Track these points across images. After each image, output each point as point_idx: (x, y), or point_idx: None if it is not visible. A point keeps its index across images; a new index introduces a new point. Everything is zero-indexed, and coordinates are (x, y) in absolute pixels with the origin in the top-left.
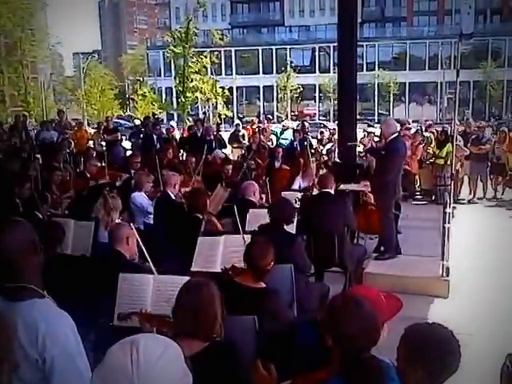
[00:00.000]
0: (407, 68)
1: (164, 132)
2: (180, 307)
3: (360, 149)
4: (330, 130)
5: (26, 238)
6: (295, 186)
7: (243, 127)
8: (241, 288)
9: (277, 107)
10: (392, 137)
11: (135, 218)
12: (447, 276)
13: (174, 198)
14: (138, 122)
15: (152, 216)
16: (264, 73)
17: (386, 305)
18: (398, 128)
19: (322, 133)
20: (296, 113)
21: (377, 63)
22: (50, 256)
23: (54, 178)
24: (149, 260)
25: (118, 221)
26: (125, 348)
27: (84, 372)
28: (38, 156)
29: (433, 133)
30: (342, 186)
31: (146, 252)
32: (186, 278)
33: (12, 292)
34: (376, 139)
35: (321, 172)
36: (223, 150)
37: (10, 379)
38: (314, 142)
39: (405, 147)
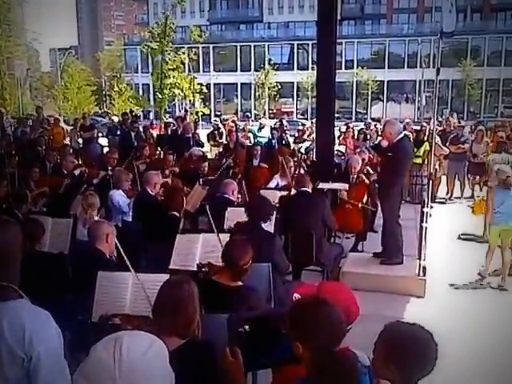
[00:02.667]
0: (386, 66)
1: (141, 129)
2: (160, 304)
3: (340, 148)
4: (307, 128)
5: (15, 239)
6: (273, 184)
7: (223, 124)
8: (218, 286)
9: (254, 105)
10: (399, 137)
11: (113, 215)
12: (423, 275)
13: (153, 196)
14: (115, 119)
15: (130, 214)
16: (242, 70)
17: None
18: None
19: (299, 131)
20: (274, 111)
21: (356, 61)
22: (28, 253)
23: (31, 174)
24: (125, 259)
25: (96, 218)
26: (108, 345)
27: (67, 369)
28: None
29: (411, 132)
30: (321, 185)
31: (122, 251)
32: (165, 276)
33: None
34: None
35: (299, 171)
36: (202, 149)
37: None
38: (292, 141)
39: (411, 147)
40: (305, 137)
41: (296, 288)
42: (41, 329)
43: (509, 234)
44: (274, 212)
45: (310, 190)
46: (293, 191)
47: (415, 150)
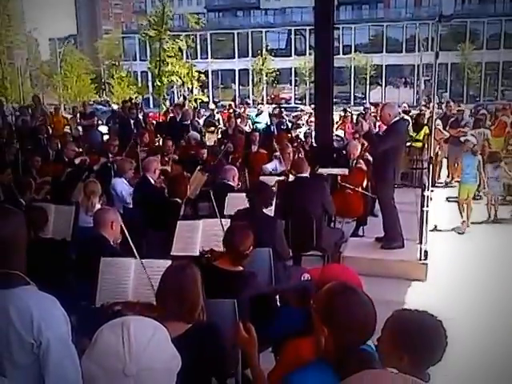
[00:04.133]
0: (384, 50)
1: (141, 117)
2: (164, 290)
3: (338, 132)
4: (306, 113)
5: (19, 227)
6: (271, 167)
7: (218, 111)
8: (220, 272)
9: (252, 91)
10: (395, 119)
11: (115, 202)
12: (425, 259)
13: (153, 182)
14: (115, 107)
15: (131, 199)
16: (240, 56)
17: (359, 284)
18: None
19: (294, 117)
20: (272, 96)
21: (353, 46)
22: (33, 240)
23: (33, 163)
24: (131, 245)
25: (98, 205)
26: (116, 330)
27: (75, 353)
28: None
29: (411, 117)
30: (320, 170)
31: (129, 238)
32: (167, 262)
33: (0, 279)
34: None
35: (298, 156)
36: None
37: (2, 362)
38: (290, 126)
39: (407, 130)
40: (300, 122)
41: (304, 270)
42: (48, 314)
43: (471, 190)
44: (274, 197)
45: (307, 175)
46: (291, 177)
47: (415, 134)
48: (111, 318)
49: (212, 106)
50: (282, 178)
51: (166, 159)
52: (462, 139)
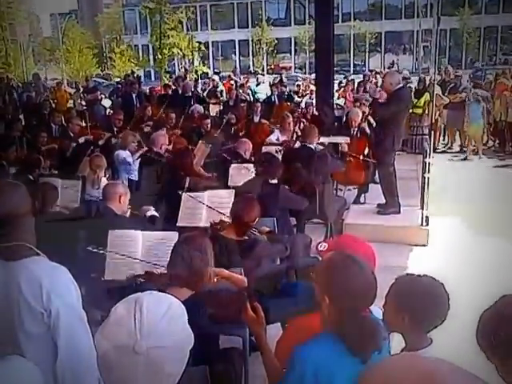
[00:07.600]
0: (383, 17)
1: (143, 90)
2: (175, 257)
3: (339, 101)
4: (306, 81)
5: (20, 199)
6: (273, 138)
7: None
8: (225, 241)
9: (253, 62)
10: (398, 87)
11: (119, 174)
12: (426, 225)
13: (159, 155)
14: (118, 80)
15: (136, 173)
16: (239, 27)
17: (372, 254)
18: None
19: (298, 86)
20: (272, 66)
21: (352, 14)
22: (44, 214)
23: (39, 139)
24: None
25: (104, 179)
26: (129, 306)
27: (86, 321)
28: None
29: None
30: (322, 139)
31: None
32: (174, 233)
33: (9, 252)
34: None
35: (299, 126)
36: (204, 105)
37: (15, 334)
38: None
39: (410, 98)
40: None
41: (308, 238)
42: (58, 284)
43: (478, 129)
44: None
45: (314, 144)
46: (297, 144)
47: (415, 100)
48: (122, 291)
49: (215, 77)
50: (284, 147)
51: (172, 133)
52: (472, 91)
